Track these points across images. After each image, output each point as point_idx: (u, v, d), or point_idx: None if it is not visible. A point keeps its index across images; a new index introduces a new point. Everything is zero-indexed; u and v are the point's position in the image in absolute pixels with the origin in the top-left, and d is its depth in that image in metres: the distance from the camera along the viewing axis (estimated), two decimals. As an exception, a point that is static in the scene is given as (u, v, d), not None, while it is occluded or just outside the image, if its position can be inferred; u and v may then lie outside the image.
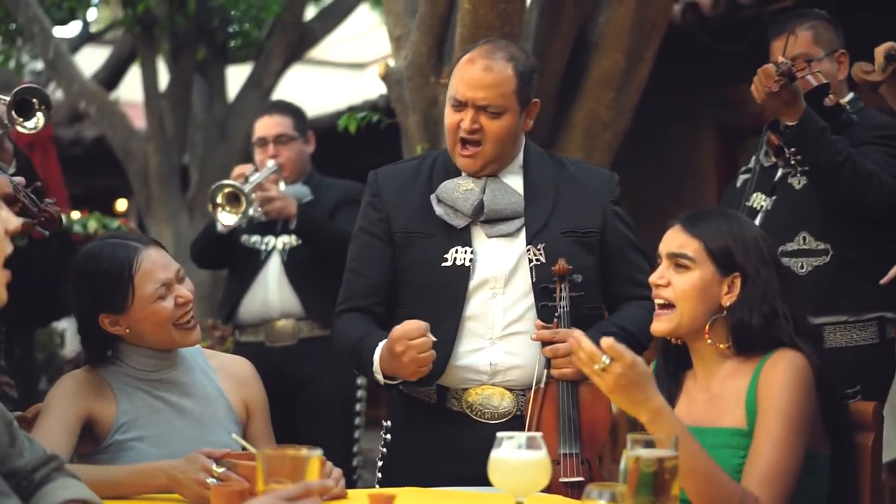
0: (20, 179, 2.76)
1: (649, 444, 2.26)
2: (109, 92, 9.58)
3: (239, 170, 4.67)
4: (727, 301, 2.64)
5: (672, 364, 2.81)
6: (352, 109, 6.65)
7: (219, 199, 4.55)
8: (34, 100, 4.20)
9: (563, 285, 3.03)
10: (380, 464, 3.29)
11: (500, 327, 3.09)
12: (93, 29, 10.28)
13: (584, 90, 4.69)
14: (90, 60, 10.10)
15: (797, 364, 2.58)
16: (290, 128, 4.86)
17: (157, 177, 7.75)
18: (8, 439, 2.23)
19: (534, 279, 3.07)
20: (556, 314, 3.02)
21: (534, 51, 4.70)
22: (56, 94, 8.61)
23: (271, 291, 4.71)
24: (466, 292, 3.10)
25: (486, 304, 3.10)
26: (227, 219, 4.56)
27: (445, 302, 3.11)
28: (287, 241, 4.71)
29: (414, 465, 3.18)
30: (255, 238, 4.77)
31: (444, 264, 3.12)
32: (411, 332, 2.92)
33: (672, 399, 2.77)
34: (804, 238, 3.59)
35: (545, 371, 3.01)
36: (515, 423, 3.06)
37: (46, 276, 5.44)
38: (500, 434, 2.37)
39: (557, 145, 4.74)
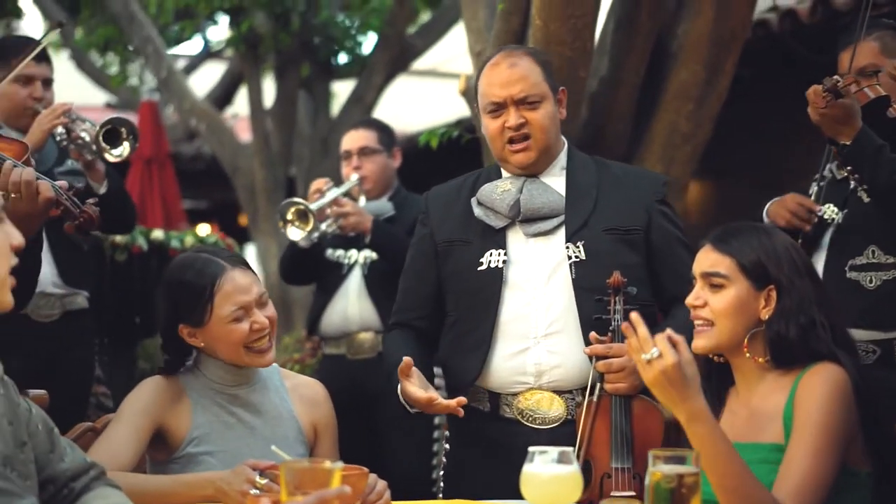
0: (63, 183, 2.93)
1: (671, 460, 2.28)
2: (224, 108, 9.86)
3: (316, 185, 4.78)
4: (765, 314, 2.64)
5: (715, 382, 2.80)
6: (459, 123, 6.69)
7: (288, 216, 4.66)
8: (122, 129, 4.42)
9: (617, 298, 3.03)
10: (441, 473, 3.39)
11: (543, 327, 3.13)
12: (213, 46, 10.57)
13: (663, 102, 4.68)
14: (212, 77, 10.40)
15: (835, 377, 2.56)
16: (374, 141, 4.96)
17: (263, 191, 7.94)
18: (49, 445, 2.33)
19: (573, 276, 3.11)
20: (611, 328, 3.02)
21: (610, 63, 4.72)
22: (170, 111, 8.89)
23: (351, 305, 4.80)
24: (500, 294, 3.16)
25: (527, 305, 3.15)
26: (295, 235, 4.66)
27: (481, 305, 3.18)
28: (368, 255, 4.80)
29: (472, 475, 3.24)
30: (339, 252, 4.88)
31: (479, 268, 3.20)
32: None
33: (716, 417, 2.77)
34: (873, 252, 3.52)
35: (598, 384, 3.04)
36: (567, 428, 3.10)
37: (145, 289, 5.66)
38: (531, 448, 2.41)
39: (637, 157, 4.73)
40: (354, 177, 4.91)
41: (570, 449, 2.41)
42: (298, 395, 3.10)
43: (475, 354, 3.17)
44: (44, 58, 4.61)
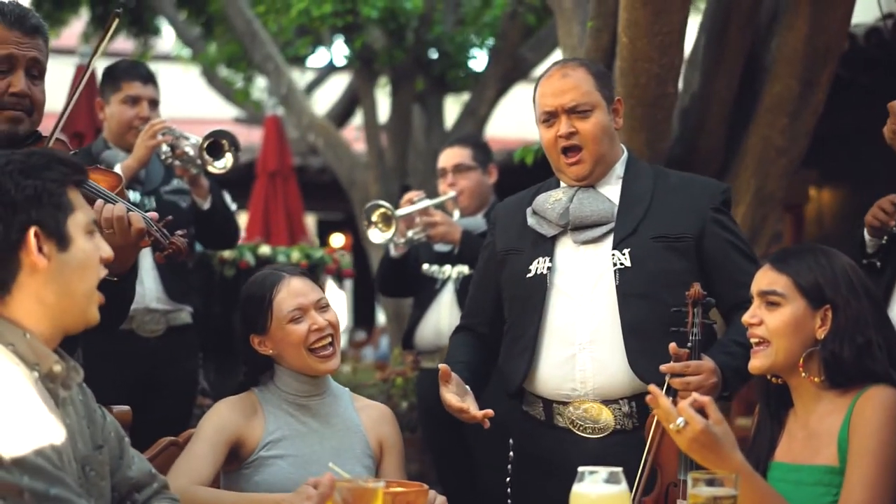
0: (153, 215, 3.04)
1: (711, 483, 2.31)
2: (347, 122, 10.04)
3: (408, 196, 4.89)
4: (821, 334, 2.63)
5: (774, 404, 2.80)
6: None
7: (374, 218, 4.75)
8: (224, 142, 4.59)
9: (695, 310, 3.00)
10: (508, 479, 3.45)
11: (587, 334, 3.16)
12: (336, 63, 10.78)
13: (757, 116, 4.64)
14: (337, 92, 10.62)
15: (891, 402, 2.54)
16: (469, 158, 5.03)
17: (378, 205, 8.06)
18: (119, 452, 2.46)
19: (617, 283, 3.13)
20: (689, 343, 2.99)
21: (701, 78, 4.70)
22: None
23: (443, 318, 4.87)
24: (545, 301, 3.21)
25: (573, 312, 3.19)
26: (375, 237, 4.76)
27: (528, 311, 3.24)
28: (461, 270, 4.87)
29: (534, 482, 3.31)
30: (434, 267, 4.96)
31: (527, 276, 3.26)
32: None
33: (774, 439, 2.76)
34: None
35: (670, 398, 3.03)
36: (618, 437, 3.14)
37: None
38: (581, 468, 2.45)
39: (731, 171, 4.71)
40: (451, 193, 4.99)
41: (619, 469, 2.45)
42: (366, 414, 3.21)
43: (522, 358, 3.24)
44: (150, 80, 4.82)
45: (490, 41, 7.92)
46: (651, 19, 4.13)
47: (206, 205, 4.74)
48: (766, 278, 2.71)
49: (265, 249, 5.83)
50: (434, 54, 7.92)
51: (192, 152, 4.55)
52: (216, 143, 4.56)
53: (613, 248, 3.18)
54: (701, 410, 2.44)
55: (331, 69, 10.88)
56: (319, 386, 3.16)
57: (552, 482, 3.05)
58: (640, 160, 3.38)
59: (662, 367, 2.99)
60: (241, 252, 5.70)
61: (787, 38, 4.54)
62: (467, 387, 3.20)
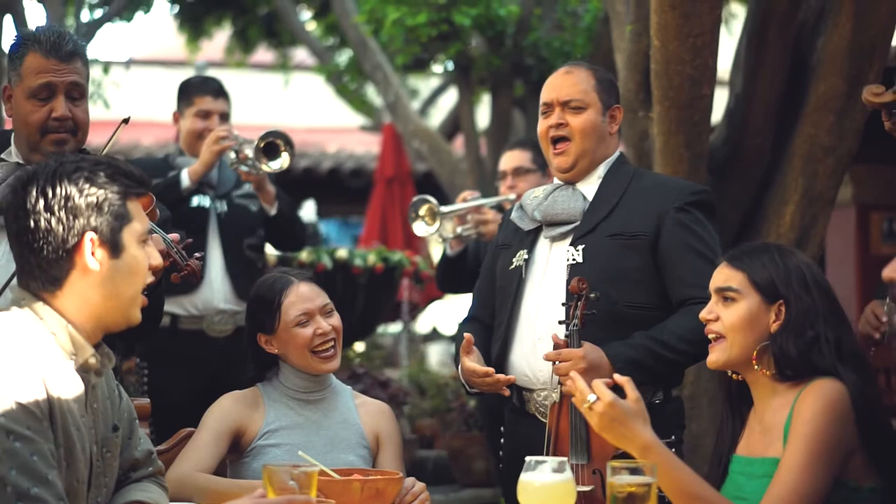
0: (175, 236, 3.23)
1: (627, 471, 2.43)
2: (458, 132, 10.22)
3: (463, 195, 5.06)
4: (775, 329, 2.71)
5: (736, 401, 2.88)
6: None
7: (421, 212, 4.93)
8: (279, 142, 4.86)
9: (576, 304, 3.14)
10: (500, 466, 3.67)
11: (545, 326, 3.29)
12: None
13: (803, 115, 4.65)
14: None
15: (832, 394, 2.61)
16: (528, 161, 5.17)
17: (478, 209, 8.22)
18: (129, 432, 2.67)
19: (567, 278, 3.26)
20: (566, 332, 3.16)
21: (743, 79, 4.73)
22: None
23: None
24: (517, 292, 3.38)
25: (537, 304, 3.36)
26: (419, 229, 4.94)
27: (505, 302, 3.43)
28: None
29: (516, 467, 3.46)
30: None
31: (510, 268, 3.44)
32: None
33: (736, 434, 2.85)
34: None
35: (559, 386, 3.19)
36: None
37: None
38: (528, 458, 2.60)
39: (778, 171, 4.73)
40: (511, 195, 5.13)
41: (564, 459, 2.59)
42: (365, 409, 3.41)
43: (496, 346, 3.42)
44: (221, 94, 5.12)
45: (586, 45, 7.97)
46: (681, 22, 4.19)
47: (273, 210, 5.00)
48: (722, 275, 2.80)
49: (342, 252, 6.07)
50: (532, 60, 8.02)
51: (252, 155, 4.82)
52: (272, 143, 4.82)
53: (570, 245, 3.34)
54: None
55: (449, 81, 11.08)
56: (321, 383, 3.38)
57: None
58: (627, 164, 3.52)
59: (543, 355, 3.19)
60: (319, 255, 5.95)
61: (831, 36, 4.55)
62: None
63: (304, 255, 5.91)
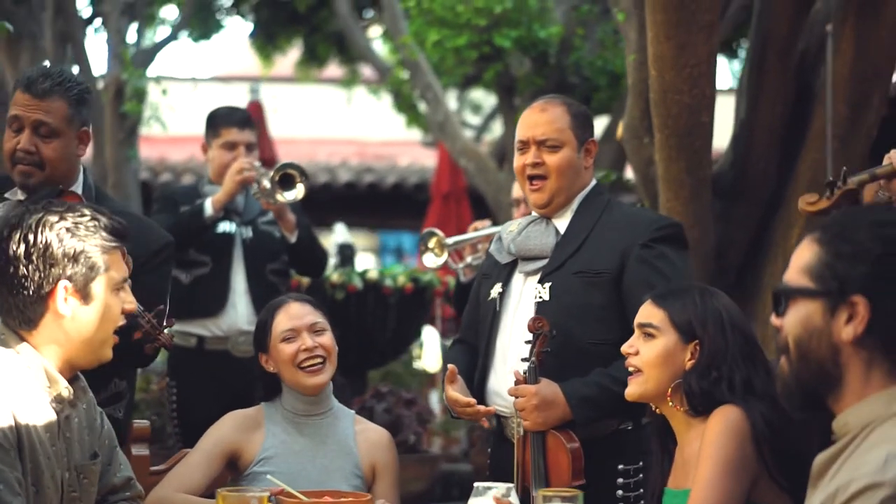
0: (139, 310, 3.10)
1: (561, 499, 2.58)
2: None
3: (474, 224, 5.21)
4: (689, 367, 2.82)
5: (663, 436, 2.98)
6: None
7: (430, 244, 5.08)
8: (294, 173, 5.05)
9: (535, 341, 3.25)
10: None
11: (515, 359, 3.38)
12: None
13: (808, 140, 4.71)
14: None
15: (730, 416, 2.71)
16: None
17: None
18: (109, 459, 2.85)
19: (534, 315, 3.34)
20: (524, 370, 3.28)
21: (746, 106, 4.81)
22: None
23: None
24: (492, 325, 3.49)
25: (508, 337, 3.46)
26: (428, 261, 5.08)
27: (483, 333, 3.54)
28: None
29: None
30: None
31: (488, 299, 3.54)
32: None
33: (665, 468, 2.96)
34: None
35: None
36: None
37: (362, 325, 6.26)
38: (477, 483, 2.75)
39: (784, 196, 4.79)
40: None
41: (511, 485, 2.74)
42: (364, 437, 3.50)
43: (478, 373, 3.52)
44: (246, 125, 5.33)
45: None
46: (676, 53, 4.29)
47: (293, 238, 5.21)
48: (645, 311, 2.93)
49: (373, 273, 6.24)
50: (575, 79, 8.12)
51: (268, 185, 5.02)
52: (288, 175, 5.02)
53: (538, 282, 3.43)
54: None
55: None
56: (320, 406, 3.48)
57: None
58: (602, 195, 3.56)
59: (507, 390, 3.31)
60: (350, 276, 6.14)
61: (833, 62, 4.60)
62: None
63: (336, 277, 6.10)
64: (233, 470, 3.45)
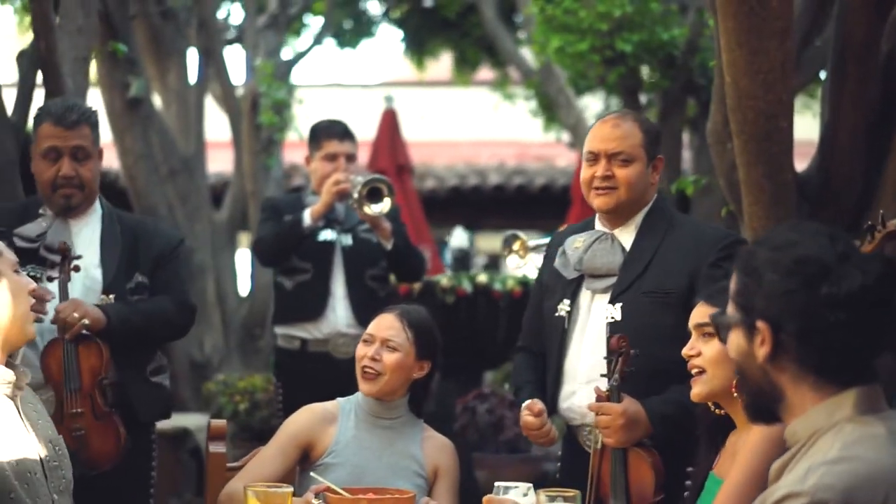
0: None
1: (560, 499, 2.72)
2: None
3: (561, 228, 5.28)
4: None
5: (714, 432, 3.04)
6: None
7: (515, 247, 5.19)
8: (382, 187, 5.26)
9: (617, 360, 3.33)
10: None
11: (584, 375, 3.51)
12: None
13: (893, 145, 4.62)
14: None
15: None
16: None
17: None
18: None
19: (607, 334, 3.43)
20: (606, 387, 3.36)
21: (829, 109, 4.74)
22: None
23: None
24: (562, 341, 3.58)
25: (578, 353, 3.56)
26: (512, 263, 5.19)
27: (551, 348, 3.65)
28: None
29: None
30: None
31: (555, 314, 3.63)
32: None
33: (711, 461, 3.02)
34: None
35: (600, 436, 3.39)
36: None
37: (473, 328, 6.41)
38: (498, 483, 2.91)
39: (873, 199, 4.70)
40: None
41: (529, 485, 2.87)
42: (430, 443, 3.68)
43: (549, 390, 3.65)
44: (347, 136, 5.56)
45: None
46: (749, 59, 4.27)
47: (389, 246, 5.42)
48: (700, 312, 3.00)
49: (482, 277, 6.38)
50: (703, 80, 8.08)
51: (356, 198, 5.26)
52: (376, 188, 5.22)
53: (609, 302, 3.51)
54: None
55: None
56: (390, 411, 3.67)
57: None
58: (664, 209, 3.65)
59: (587, 405, 3.40)
60: (459, 280, 6.30)
61: (919, 63, 4.51)
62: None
63: (445, 281, 6.27)
64: (304, 462, 3.65)
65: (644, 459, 3.32)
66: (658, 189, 3.85)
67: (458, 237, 7.52)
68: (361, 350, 3.65)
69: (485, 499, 2.96)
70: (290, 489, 2.92)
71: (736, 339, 2.16)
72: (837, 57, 4.65)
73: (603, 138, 3.60)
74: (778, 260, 2.07)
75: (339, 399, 3.74)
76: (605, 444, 3.37)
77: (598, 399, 3.36)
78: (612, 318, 3.50)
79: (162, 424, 4.51)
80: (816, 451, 2.02)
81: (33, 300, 3.02)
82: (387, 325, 3.68)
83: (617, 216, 3.62)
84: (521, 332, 3.96)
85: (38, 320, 3.60)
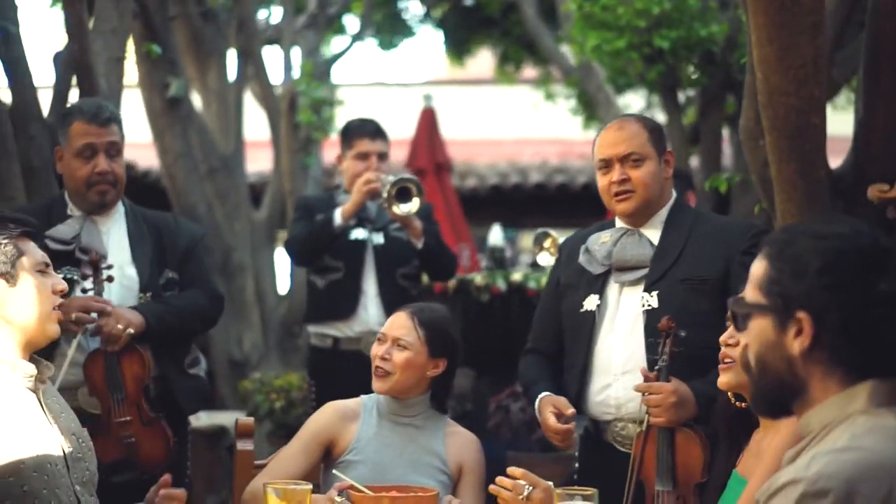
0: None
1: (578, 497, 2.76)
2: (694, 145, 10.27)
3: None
4: None
5: (734, 426, 3.02)
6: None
7: (545, 244, 5.19)
8: (412, 187, 5.26)
9: (665, 341, 3.35)
10: None
11: (620, 366, 3.52)
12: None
13: (928, 141, 4.56)
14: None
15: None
16: None
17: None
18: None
19: (644, 322, 3.46)
20: (656, 367, 3.37)
21: (862, 106, 4.68)
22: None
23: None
24: (592, 335, 3.59)
25: (611, 346, 3.57)
26: (542, 259, 5.18)
27: (578, 344, 3.65)
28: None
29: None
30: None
31: (580, 311, 3.64)
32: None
33: (733, 458, 2.99)
34: None
35: (647, 416, 3.37)
36: None
37: (507, 325, 6.41)
38: (558, 490, 2.90)
39: (908, 199, 4.65)
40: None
41: (594, 491, 2.89)
42: (453, 439, 3.68)
43: (573, 385, 3.65)
44: (378, 135, 5.57)
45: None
46: (780, 55, 4.22)
47: (420, 244, 5.42)
48: None
49: (517, 275, 6.38)
50: (741, 76, 8.01)
51: (385, 197, 5.26)
52: (405, 188, 5.23)
53: (644, 291, 3.53)
54: None
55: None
56: (407, 409, 3.67)
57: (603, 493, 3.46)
58: (685, 207, 3.67)
59: (633, 387, 3.40)
60: (494, 277, 6.30)
61: (954, 58, 4.44)
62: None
63: (479, 279, 6.27)
64: (327, 459, 3.66)
65: (693, 439, 3.33)
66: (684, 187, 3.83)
67: (495, 235, 7.53)
68: (375, 349, 3.69)
69: (497, 479, 2.97)
70: (310, 486, 2.93)
71: (761, 327, 2.09)
72: (870, 54, 4.59)
73: (610, 143, 3.64)
74: (826, 249, 2.02)
75: (363, 396, 3.76)
76: (653, 425, 3.37)
77: (646, 380, 3.38)
78: (650, 305, 3.52)
79: (199, 422, 4.57)
80: (826, 441, 1.99)
81: (59, 300, 3.04)
82: (398, 323, 3.70)
83: (640, 216, 3.65)
84: (531, 335, 3.96)
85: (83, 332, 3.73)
